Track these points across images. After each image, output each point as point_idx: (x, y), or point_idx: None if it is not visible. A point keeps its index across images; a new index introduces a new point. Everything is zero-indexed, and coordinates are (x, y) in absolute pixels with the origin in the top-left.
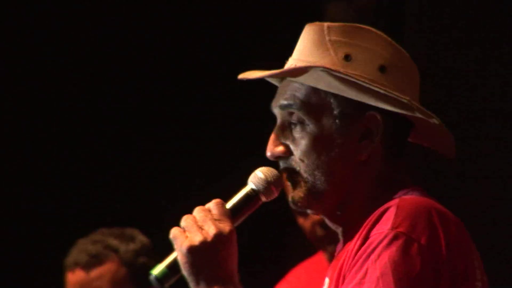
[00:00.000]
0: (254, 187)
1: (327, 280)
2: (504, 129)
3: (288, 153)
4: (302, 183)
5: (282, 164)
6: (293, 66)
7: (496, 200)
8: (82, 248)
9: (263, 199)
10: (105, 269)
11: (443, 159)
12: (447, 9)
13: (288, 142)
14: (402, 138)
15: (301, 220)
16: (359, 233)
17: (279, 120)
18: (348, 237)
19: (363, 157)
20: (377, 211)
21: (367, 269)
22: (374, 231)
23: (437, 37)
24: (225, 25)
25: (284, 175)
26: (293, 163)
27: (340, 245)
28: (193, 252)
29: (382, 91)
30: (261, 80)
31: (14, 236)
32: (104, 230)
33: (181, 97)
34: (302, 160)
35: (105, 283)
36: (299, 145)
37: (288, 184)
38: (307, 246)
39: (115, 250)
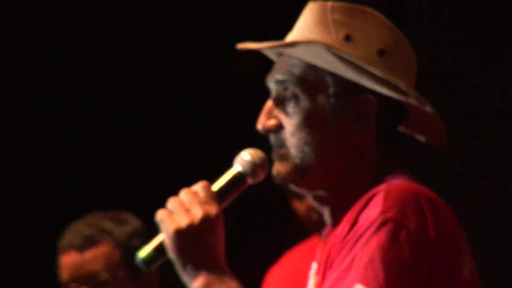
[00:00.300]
0: (240, 169)
1: (314, 265)
2: (504, 129)
3: (280, 127)
4: (290, 158)
5: (272, 138)
6: (290, 40)
7: (496, 200)
8: (75, 230)
9: (250, 181)
10: (100, 251)
11: (442, 159)
12: (448, 8)
13: (280, 116)
14: (395, 124)
15: (295, 204)
16: (347, 217)
17: (273, 94)
18: (336, 221)
19: (355, 139)
20: (365, 195)
21: (354, 255)
22: (362, 216)
23: (438, 37)
24: (225, 21)
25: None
26: (284, 137)
27: (327, 229)
28: (180, 235)
29: (379, 74)
30: (257, 71)
31: (14, 235)
32: (98, 213)
33: (170, 92)
34: (293, 135)
35: (100, 265)
36: (292, 120)
37: (274, 157)
38: (301, 230)
39: (109, 232)
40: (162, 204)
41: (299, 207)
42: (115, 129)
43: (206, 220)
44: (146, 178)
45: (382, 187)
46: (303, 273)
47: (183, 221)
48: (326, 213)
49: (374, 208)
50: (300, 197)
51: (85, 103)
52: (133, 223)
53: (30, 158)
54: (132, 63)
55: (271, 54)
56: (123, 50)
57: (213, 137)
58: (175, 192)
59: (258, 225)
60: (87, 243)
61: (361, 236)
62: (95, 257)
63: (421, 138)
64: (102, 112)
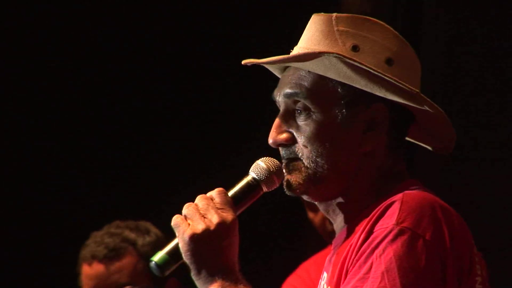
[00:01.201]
0: (256, 176)
1: (325, 274)
2: None
3: (291, 140)
4: (303, 169)
5: (284, 152)
6: (302, 52)
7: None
8: (99, 240)
9: (264, 189)
10: (124, 263)
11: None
12: (466, 5)
13: (292, 130)
14: (403, 131)
15: (311, 215)
16: (362, 227)
17: (282, 108)
18: (349, 231)
19: (367, 148)
20: (380, 205)
21: (371, 264)
22: (378, 226)
23: (455, 33)
24: (226, 19)
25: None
26: (296, 150)
27: (339, 238)
28: (195, 240)
29: (393, 82)
30: (261, 74)
31: (15, 235)
32: (119, 223)
33: (180, 92)
34: (305, 146)
35: (124, 277)
36: (304, 132)
37: (285, 169)
38: (317, 240)
39: (133, 243)
40: (174, 212)
41: (314, 217)
42: (128, 138)
43: (221, 225)
44: (159, 185)
45: (398, 197)
46: (318, 283)
47: (199, 226)
48: (337, 222)
49: (390, 218)
50: (316, 208)
51: (88, 93)
52: (155, 232)
53: (31, 157)
54: (134, 52)
55: (273, 69)
56: (124, 46)
57: (226, 145)
58: (187, 200)
59: (274, 236)
60: (112, 254)
61: (377, 245)
62: (120, 268)
63: (425, 145)
64: (119, 121)
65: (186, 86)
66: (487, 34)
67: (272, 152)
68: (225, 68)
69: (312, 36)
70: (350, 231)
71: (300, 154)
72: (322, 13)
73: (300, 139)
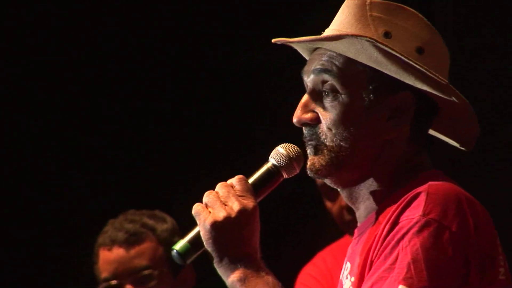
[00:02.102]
0: (275, 163)
1: (348, 265)
2: None
3: (316, 120)
4: (326, 152)
5: (307, 132)
6: (335, 34)
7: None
8: (118, 226)
9: (285, 175)
10: (144, 248)
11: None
12: (474, 12)
13: (317, 110)
14: (428, 122)
15: (328, 204)
16: (386, 217)
17: (309, 87)
18: (372, 220)
19: (390, 135)
20: (406, 196)
21: (397, 255)
22: (404, 217)
23: (463, 41)
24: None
25: (308, 144)
26: (320, 131)
27: (362, 227)
28: (217, 228)
29: (423, 70)
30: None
31: (16, 235)
32: (135, 211)
33: (185, 86)
34: (330, 129)
35: (144, 261)
36: (329, 114)
37: (309, 151)
38: (334, 230)
39: (152, 229)
40: (180, 210)
41: (332, 207)
42: (131, 135)
43: (243, 213)
44: (163, 183)
45: (423, 188)
46: (335, 272)
47: (220, 214)
48: (360, 210)
49: (416, 209)
50: (333, 197)
51: (96, 90)
52: (171, 220)
53: (32, 156)
54: (140, 49)
55: (302, 51)
56: (139, 51)
57: (230, 142)
58: (192, 197)
59: (292, 225)
60: (133, 239)
61: (403, 236)
62: (140, 253)
63: (447, 138)
64: (121, 118)
65: (191, 80)
66: (497, 27)
67: (272, 147)
68: (237, 59)
69: (344, 19)
70: (373, 221)
71: (324, 137)
72: None
73: (325, 121)
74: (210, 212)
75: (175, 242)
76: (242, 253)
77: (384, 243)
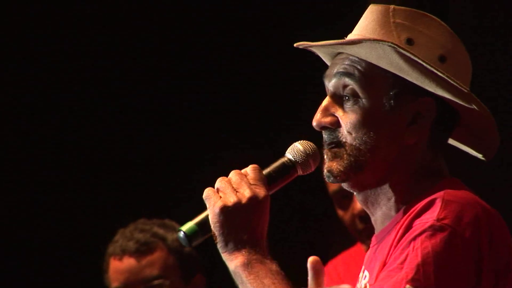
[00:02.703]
0: (292, 158)
1: (367, 273)
2: None
3: (336, 125)
4: (345, 156)
5: (326, 136)
6: (357, 38)
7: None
8: (128, 236)
9: (299, 171)
10: (155, 257)
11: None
12: (491, 14)
13: (337, 114)
14: (448, 129)
15: (341, 213)
16: (401, 222)
17: (331, 91)
18: (390, 228)
19: (410, 141)
20: (421, 202)
21: (407, 255)
22: (418, 221)
23: (481, 25)
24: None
25: (327, 148)
26: (339, 135)
27: (380, 235)
28: (225, 212)
29: (445, 78)
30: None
31: (18, 235)
32: (145, 220)
33: (185, 87)
34: (350, 133)
35: (156, 270)
36: (349, 118)
37: (327, 155)
38: (346, 238)
39: (163, 239)
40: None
41: (344, 215)
42: (133, 136)
43: (253, 200)
44: (162, 186)
45: (439, 194)
46: (347, 281)
47: (230, 199)
48: (376, 216)
49: (430, 214)
50: (346, 206)
51: (99, 91)
52: None
53: (33, 157)
54: (145, 49)
55: (324, 56)
56: (127, 43)
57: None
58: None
59: (303, 234)
60: (144, 248)
61: (415, 238)
62: (151, 262)
63: (466, 147)
64: (123, 120)
65: (190, 80)
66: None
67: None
68: (243, 59)
69: (367, 25)
70: (391, 229)
71: (344, 140)
72: (380, 4)
73: (345, 125)
74: (220, 196)
75: (186, 251)
76: (248, 239)
77: (398, 246)
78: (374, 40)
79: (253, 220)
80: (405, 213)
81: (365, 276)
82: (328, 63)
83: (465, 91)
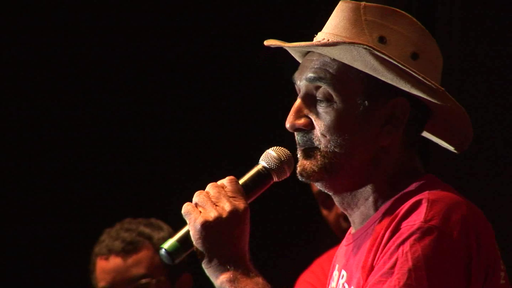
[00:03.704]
0: (266, 165)
1: (343, 273)
2: None
3: (309, 126)
4: (319, 157)
5: (299, 137)
6: (329, 40)
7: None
8: (114, 235)
9: (275, 178)
10: (141, 256)
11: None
12: (477, 13)
13: (311, 116)
14: (421, 127)
15: (325, 212)
16: (385, 225)
17: (303, 92)
18: (368, 228)
19: (384, 142)
20: (406, 203)
21: (396, 259)
22: (405, 223)
23: (470, 17)
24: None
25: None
26: (313, 137)
27: (357, 234)
28: (207, 228)
29: (420, 78)
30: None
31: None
32: (131, 220)
33: (175, 91)
34: (324, 136)
35: (141, 270)
36: (323, 121)
37: (300, 154)
38: (331, 237)
39: (149, 238)
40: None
41: (328, 215)
42: (125, 139)
43: (234, 213)
44: (156, 186)
45: (424, 195)
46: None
47: (211, 214)
48: (353, 217)
49: (417, 216)
50: (330, 205)
51: (92, 96)
52: (167, 228)
53: (31, 158)
54: (141, 52)
55: (294, 53)
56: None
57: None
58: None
59: (289, 233)
60: (130, 248)
61: (403, 241)
62: (137, 261)
63: (439, 141)
64: (117, 122)
65: (179, 86)
66: (503, 18)
67: (261, 151)
68: (229, 63)
69: (338, 23)
70: (371, 228)
71: (318, 143)
72: (350, 1)
73: (319, 127)
74: (200, 212)
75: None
76: (232, 254)
77: (385, 249)
78: (350, 43)
79: (235, 234)
80: (386, 212)
81: (342, 275)
82: (299, 60)
83: (440, 89)
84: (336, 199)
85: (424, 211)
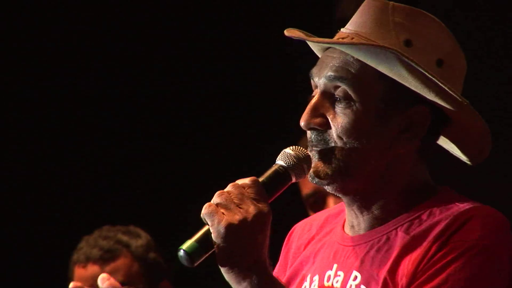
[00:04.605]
0: (284, 164)
1: (357, 274)
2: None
3: (325, 126)
4: (334, 160)
5: (313, 136)
6: (354, 39)
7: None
8: (92, 243)
9: (293, 178)
10: (119, 264)
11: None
12: (459, 10)
13: (328, 115)
14: (437, 136)
15: (312, 214)
16: (426, 236)
17: (321, 90)
18: (381, 233)
19: (401, 149)
20: (455, 216)
21: (448, 276)
22: (457, 238)
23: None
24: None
25: (314, 149)
26: (329, 137)
27: (363, 238)
28: (232, 231)
29: (446, 89)
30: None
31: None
32: (109, 227)
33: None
34: (340, 138)
35: (120, 277)
36: (340, 122)
37: (313, 155)
38: None
39: (127, 246)
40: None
41: None
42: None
43: (259, 217)
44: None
45: (472, 209)
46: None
47: (236, 217)
48: (360, 220)
49: (470, 233)
50: (318, 209)
51: (89, 100)
52: (145, 236)
53: (29, 160)
54: (142, 53)
55: (313, 46)
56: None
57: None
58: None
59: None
60: (107, 256)
61: (457, 258)
62: (115, 269)
63: (452, 148)
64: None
65: (179, 86)
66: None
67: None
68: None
69: (365, 22)
70: (389, 234)
71: (333, 144)
72: None
73: (336, 128)
74: (223, 213)
75: (151, 258)
76: (256, 259)
77: (432, 261)
78: (378, 46)
79: (259, 238)
80: (411, 221)
81: (355, 276)
82: (317, 53)
83: (465, 102)
84: (345, 200)
85: (478, 229)
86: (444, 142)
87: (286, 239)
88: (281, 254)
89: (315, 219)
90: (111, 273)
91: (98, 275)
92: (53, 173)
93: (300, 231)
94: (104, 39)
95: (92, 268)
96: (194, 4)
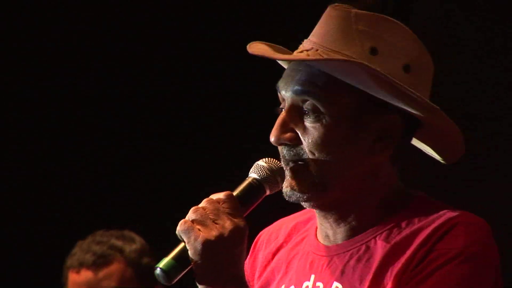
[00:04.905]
0: (257, 176)
1: (338, 284)
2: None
3: (296, 140)
4: (309, 176)
5: (286, 152)
6: (318, 51)
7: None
8: (86, 248)
9: (267, 190)
10: (113, 269)
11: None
12: (454, 12)
13: (297, 130)
14: (409, 141)
15: None
16: (408, 243)
17: (288, 104)
18: (360, 242)
19: (376, 159)
20: (433, 224)
21: (434, 284)
22: (442, 245)
23: (443, 41)
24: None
25: (287, 165)
26: (301, 152)
27: (340, 246)
28: (209, 247)
29: (414, 96)
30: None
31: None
32: (103, 232)
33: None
34: (312, 153)
35: (113, 283)
36: (311, 136)
37: (287, 172)
38: None
39: (120, 251)
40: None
41: None
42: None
43: (236, 232)
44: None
45: (456, 216)
46: None
47: (212, 233)
48: (337, 231)
49: (456, 240)
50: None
51: (85, 101)
52: (139, 241)
53: (28, 160)
54: (137, 54)
55: (281, 61)
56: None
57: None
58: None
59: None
60: (101, 261)
61: (443, 265)
62: (108, 275)
63: (425, 148)
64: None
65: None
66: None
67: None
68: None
69: (328, 32)
70: (368, 243)
71: (306, 159)
72: (340, 6)
73: (307, 143)
74: (199, 230)
75: (144, 262)
76: (233, 274)
77: (417, 269)
78: (346, 60)
79: (236, 253)
80: (390, 230)
81: (337, 287)
82: (283, 65)
83: (435, 108)
84: (320, 214)
85: (463, 236)
86: (417, 142)
87: (252, 247)
88: (246, 263)
89: (281, 227)
90: (105, 279)
91: (92, 280)
92: (53, 173)
93: (267, 239)
94: (104, 39)
95: (85, 274)
96: (194, 4)
